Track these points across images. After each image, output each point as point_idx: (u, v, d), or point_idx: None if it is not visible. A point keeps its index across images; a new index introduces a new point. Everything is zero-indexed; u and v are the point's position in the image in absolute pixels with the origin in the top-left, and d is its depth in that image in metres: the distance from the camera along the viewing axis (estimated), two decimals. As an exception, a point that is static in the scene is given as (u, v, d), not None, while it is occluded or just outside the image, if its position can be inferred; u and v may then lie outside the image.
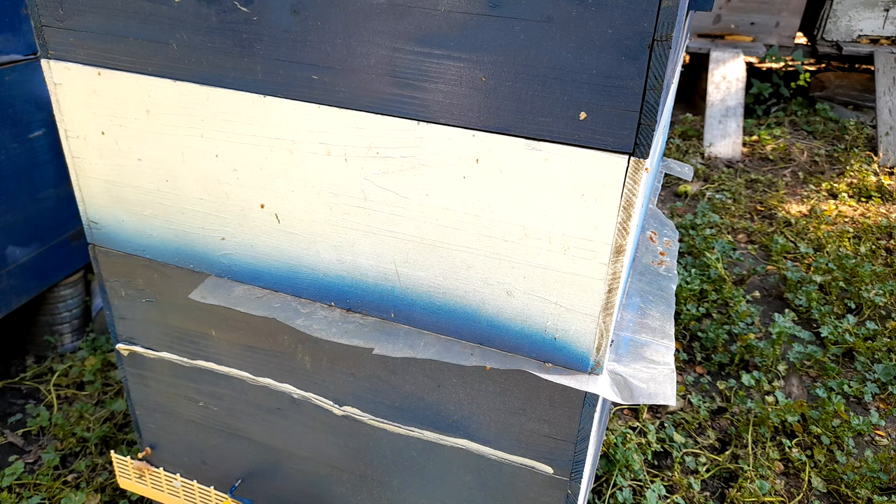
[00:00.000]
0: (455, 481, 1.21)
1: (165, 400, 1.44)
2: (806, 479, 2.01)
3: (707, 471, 2.03)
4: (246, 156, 1.07)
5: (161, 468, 1.50)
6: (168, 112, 1.09)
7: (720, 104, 4.42)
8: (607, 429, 2.11)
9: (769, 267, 3.08)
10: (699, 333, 2.58)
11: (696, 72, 4.93)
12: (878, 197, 3.72)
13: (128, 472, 1.53)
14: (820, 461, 2.05)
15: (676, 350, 2.53)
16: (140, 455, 1.55)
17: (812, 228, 3.36)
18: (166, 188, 1.16)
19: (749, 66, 5.32)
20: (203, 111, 1.06)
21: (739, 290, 2.82)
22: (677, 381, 2.38)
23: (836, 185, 3.83)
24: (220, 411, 1.39)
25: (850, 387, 2.35)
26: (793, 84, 5.01)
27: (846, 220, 3.48)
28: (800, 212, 3.58)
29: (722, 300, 2.77)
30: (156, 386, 1.43)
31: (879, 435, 2.18)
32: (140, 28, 1.03)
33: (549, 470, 1.11)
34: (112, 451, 1.53)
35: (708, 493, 1.97)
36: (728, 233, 3.39)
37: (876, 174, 3.94)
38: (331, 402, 1.24)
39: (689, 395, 2.32)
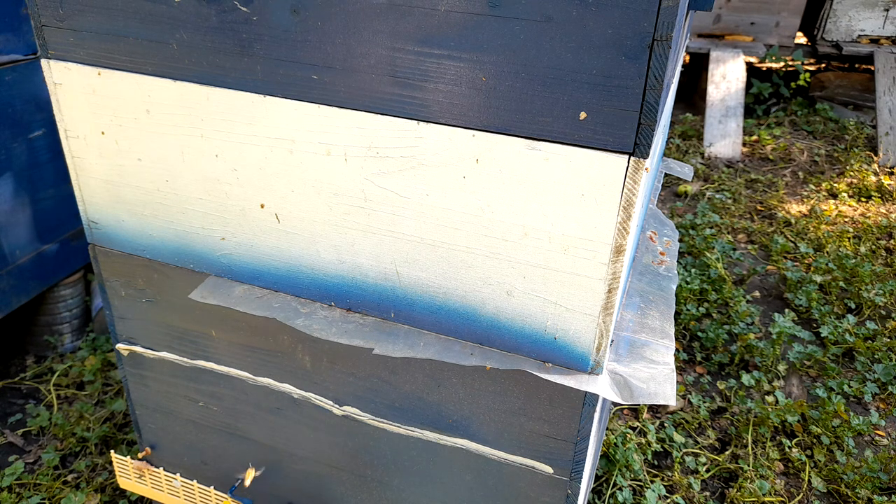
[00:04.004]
0: (455, 481, 1.21)
1: (165, 400, 1.44)
2: (806, 479, 2.01)
3: (707, 471, 2.03)
4: (246, 156, 1.07)
5: (161, 468, 1.50)
6: (168, 112, 1.09)
7: (720, 104, 4.42)
8: (607, 429, 2.11)
9: (769, 267, 3.08)
10: (699, 333, 2.58)
11: (696, 72, 4.93)
12: (878, 197, 3.72)
13: (128, 472, 1.53)
14: (820, 461, 2.05)
15: (676, 350, 2.53)
16: (140, 455, 1.55)
17: (812, 228, 3.36)
18: (166, 188, 1.16)
19: (749, 66, 5.32)
20: (203, 111, 1.06)
21: (739, 290, 2.82)
22: (677, 381, 2.38)
23: (836, 185, 3.83)
24: (220, 411, 1.39)
25: (850, 387, 2.35)
26: (793, 84, 5.01)
27: (846, 220, 3.48)
28: (800, 212, 3.58)
29: (722, 300, 2.77)
30: (156, 386, 1.43)
31: (879, 435, 2.18)
32: (140, 28, 1.03)
33: (549, 470, 1.11)
34: (112, 451, 1.53)
35: (708, 493, 1.97)
36: (728, 233, 3.39)
37: (876, 174, 3.94)
38: (331, 402, 1.24)
39: (689, 395, 2.32)
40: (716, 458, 2.07)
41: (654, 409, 2.27)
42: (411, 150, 0.95)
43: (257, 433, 1.37)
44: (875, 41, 4.68)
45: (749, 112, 4.95)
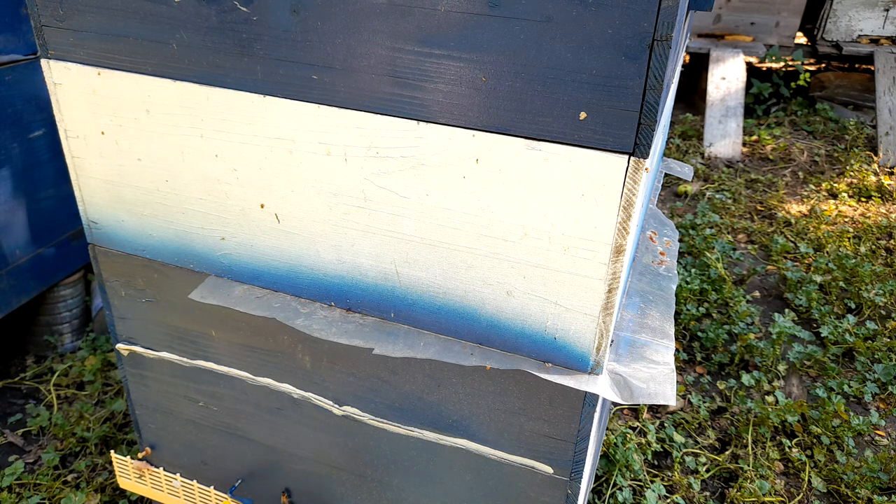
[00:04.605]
0: (455, 481, 1.21)
1: (165, 400, 1.44)
2: (806, 479, 2.01)
3: (707, 471, 2.03)
4: (246, 156, 1.07)
5: (161, 468, 1.50)
6: (168, 112, 1.09)
7: (720, 104, 4.42)
8: (607, 429, 2.11)
9: (769, 267, 3.08)
10: (699, 333, 2.58)
11: (696, 72, 4.93)
12: (878, 197, 3.72)
13: (128, 472, 1.53)
14: (820, 461, 2.05)
15: (676, 350, 2.53)
16: (140, 455, 1.55)
17: (812, 228, 3.36)
18: (166, 188, 1.16)
19: (749, 66, 5.32)
20: (203, 111, 1.06)
21: (739, 290, 2.82)
22: (677, 381, 2.38)
23: (836, 185, 3.83)
24: (220, 411, 1.39)
25: (850, 387, 2.35)
26: (793, 84, 5.01)
27: (846, 220, 3.48)
28: (800, 212, 3.58)
29: (722, 300, 2.77)
30: (156, 386, 1.43)
31: (879, 435, 2.18)
32: (140, 28, 1.03)
33: (549, 470, 1.11)
34: (112, 451, 1.53)
35: (708, 493, 1.97)
36: (728, 233, 3.39)
37: (876, 174, 3.94)
38: (331, 402, 1.24)
39: (689, 395, 2.32)
40: (716, 458, 2.07)
41: (654, 409, 2.27)
42: (411, 150, 0.95)
43: (257, 433, 1.37)
44: (875, 41, 4.68)
45: (749, 112, 4.95)
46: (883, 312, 2.76)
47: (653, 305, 1.20)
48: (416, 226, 1.01)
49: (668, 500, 1.91)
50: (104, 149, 1.17)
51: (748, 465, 2.02)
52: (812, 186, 3.86)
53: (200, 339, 1.31)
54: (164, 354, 1.37)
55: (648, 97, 0.80)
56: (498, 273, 0.99)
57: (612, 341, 1.05)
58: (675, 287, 1.27)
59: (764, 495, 1.93)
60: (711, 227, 3.38)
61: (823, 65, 5.49)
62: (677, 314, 2.66)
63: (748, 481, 1.96)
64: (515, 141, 0.89)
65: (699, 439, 2.15)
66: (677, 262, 1.97)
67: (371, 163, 0.99)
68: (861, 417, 2.17)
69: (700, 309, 2.68)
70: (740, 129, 4.31)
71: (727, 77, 4.50)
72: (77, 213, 2.20)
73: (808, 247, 3.19)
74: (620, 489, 1.91)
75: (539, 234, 0.93)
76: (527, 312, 0.99)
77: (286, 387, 1.27)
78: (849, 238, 3.26)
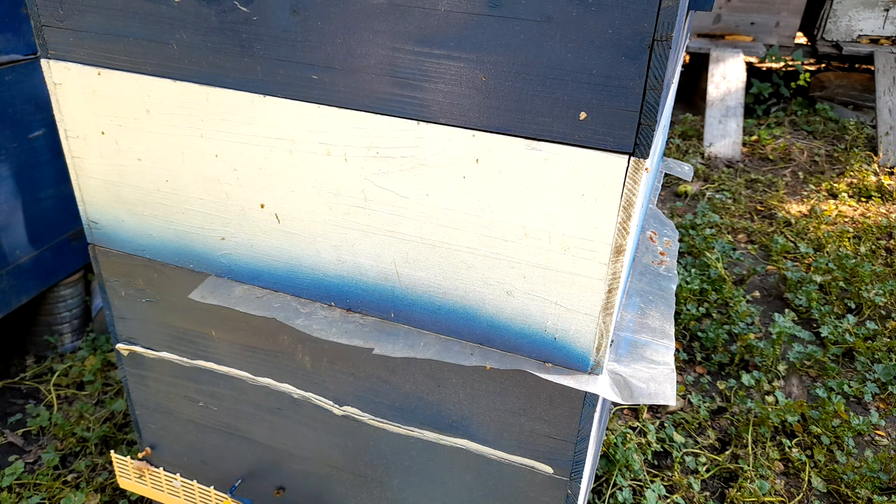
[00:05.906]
0: (455, 481, 1.21)
1: (165, 400, 1.44)
2: (806, 479, 2.01)
3: (707, 471, 2.03)
4: (246, 156, 1.07)
5: (161, 468, 1.50)
6: (168, 112, 1.09)
7: (720, 104, 4.42)
8: (607, 429, 2.11)
9: (769, 267, 3.08)
10: (699, 333, 2.58)
11: (696, 72, 4.93)
12: (878, 197, 3.72)
13: (128, 472, 1.53)
14: (820, 461, 2.05)
15: (676, 350, 2.53)
16: (140, 455, 1.55)
17: (812, 228, 3.36)
18: (166, 188, 1.16)
19: (749, 65, 5.32)
20: (203, 111, 1.06)
21: (739, 290, 2.82)
22: (677, 381, 2.38)
23: (836, 185, 3.83)
24: (220, 411, 1.39)
25: (850, 387, 2.35)
26: (793, 84, 5.01)
27: (846, 220, 3.48)
28: (800, 212, 3.58)
29: (722, 300, 2.77)
30: (156, 386, 1.43)
31: (879, 435, 2.18)
32: (140, 28, 1.03)
33: (549, 470, 1.11)
34: (112, 451, 1.53)
35: (708, 493, 1.97)
36: (728, 233, 3.39)
37: (876, 174, 3.94)
38: (331, 402, 1.24)
39: (689, 395, 2.32)
40: (716, 458, 2.07)
41: (654, 409, 2.27)
42: (411, 150, 0.95)
43: (257, 433, 1.37)
44: (875, 41, 4.68)
45: (749, 112, 4.95)
46: (883, 312, 2.76)
47: (653, 305, 1.20)
48: (417, 226, 1.01)
49: (668, 500, 1.91)
50: (104, 149, 1.17)
51: (748, 465, 2.02)
52: (812, 186, 3.86)
53: (200, 339, 1.31)
54: (164, 354, 1.37)
55: (648, 97, 0.80)
56: (498, 273, 0.99)
57: (612, 341, 1.05)
58: (675, 287, 1.27)
59: (764, 495, 1.93)
60: (711, 227, 3.38)
61: (823, 65, 5.49)
62: (677, 314, 2.66)
63: (748, 481, 1.96)
64: (515, 141, 0.89)
65: (699, 439, 2.15)
66: (677, 262, 1.97)
67: (371, 163, 0.99)
68: (861, 417, 2.17)
69: (700, 309, 2.68)
70: (740, 129, 4.31)
71: (727, 77, 4.49)
72: (77, 213, 2.20)
73: (808, 247, 3.19)
74: (620, 489, 1.91)
75: (539, 234, 0.93)
76: (527, 312, 0.99)
77: (286, 387, 1.27)
78: (849, 238, 3.26)
